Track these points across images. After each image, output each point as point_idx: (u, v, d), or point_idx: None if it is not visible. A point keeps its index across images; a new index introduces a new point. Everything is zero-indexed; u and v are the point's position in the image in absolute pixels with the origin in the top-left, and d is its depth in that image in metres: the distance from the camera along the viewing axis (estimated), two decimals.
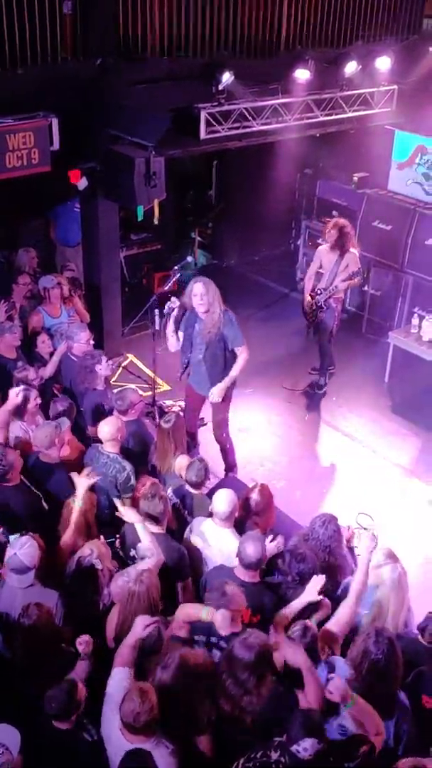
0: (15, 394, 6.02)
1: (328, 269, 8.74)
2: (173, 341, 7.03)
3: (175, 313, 6.90)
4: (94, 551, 4.78)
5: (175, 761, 3.78)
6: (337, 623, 4.58)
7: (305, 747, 3.56)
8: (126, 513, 5.14)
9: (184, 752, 3.85)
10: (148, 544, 4.94)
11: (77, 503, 5.18)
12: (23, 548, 4.60)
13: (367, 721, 3.94)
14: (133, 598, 4.43)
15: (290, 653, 4.12)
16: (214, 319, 6.68)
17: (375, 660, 4.05)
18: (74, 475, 5.36)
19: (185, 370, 7.16)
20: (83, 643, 4.32)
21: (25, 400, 6.09)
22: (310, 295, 8.87)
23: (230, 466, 7.54)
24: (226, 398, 7.13)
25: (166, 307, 6.95)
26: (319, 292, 8.76)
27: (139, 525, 5.03)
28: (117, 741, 3.80)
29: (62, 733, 3.92)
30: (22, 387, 6.12)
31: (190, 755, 3.90)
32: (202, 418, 7.83)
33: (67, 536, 5.09)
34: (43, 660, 4.19)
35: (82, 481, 5.27)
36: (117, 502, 5.35)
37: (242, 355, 6.89)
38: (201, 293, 6.63)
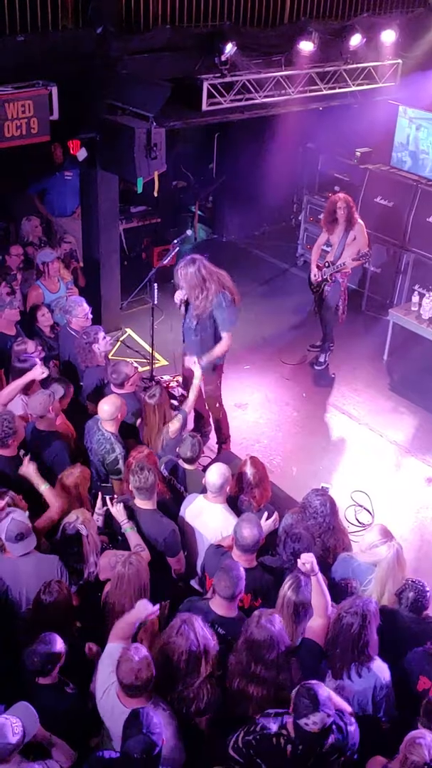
0: (40, 372, 6.04)
1: (336, 242, 8.66)
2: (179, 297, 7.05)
3: (182, 308, 6.97)
4: (79, 517, 4.79)
5: (173, 722, 3.82)
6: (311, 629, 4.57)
7: (315, 721, 3.57)
8: (114, 510, 5.13)
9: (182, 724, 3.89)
10: (136, 542, 4.97)
11: (41, 487, 5.20)
12: (21, 516, 4.63)
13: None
14: (122, 580, 4.43)
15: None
16: (201, 300, 6.62)
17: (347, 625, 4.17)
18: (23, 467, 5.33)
19: (185, 339, 7.16)
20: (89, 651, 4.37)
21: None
22: (317, 266, 8.78)
23: (224, 438, 7.53)
24: (217, 369, 7.13)
25: (176, 299, 6.97)
26: (327, 264, 8.68)
27: (126, 526, 5.05)
28: (116, 710, 3.82)
29: (47, 689, 3.99)
30: (40, 364, 6.15)
31: (189, 727, 3.95)
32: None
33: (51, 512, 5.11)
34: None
35: (28, 471, 5.27)
36: (98, 503, 5.33)
37: (225, 341, 6.85)
38: (181, 275, 6.60)
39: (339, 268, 8.60)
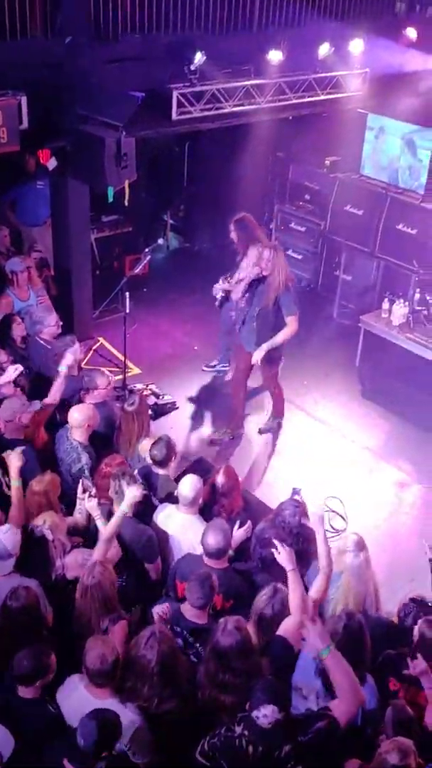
0: (14, 370, 6.03)
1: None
2: (240, 290, 7.43)
3: (220, 296, 7.40)
4: (46, 521, 4.77)
5: (140, 719, 3.82)
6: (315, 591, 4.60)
7: (265, 713, 3.58)
8: (88, 504, 5.12)
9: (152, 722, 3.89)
10: (105, 538, 4.94)
11: (13, 482, 5.16)
12: (5, 534, 4.58)
13: (342, 677, 3.91)
14: (86, 594, 4.41)
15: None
16: (275, 284, 7.08)
17: (341, 642, 4.08)
18: (6, 453, 5.31)
19: (241, 327, 7.51)
20: None
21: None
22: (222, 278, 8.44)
23: (277, 413, 8.04)
24: (274, 360, 7.53)
25: (215, 290, 7.48)
26: (222, 281, 8.35)
27: (99, 522, 5.03)
28: (85, 705, 3.79)
29: (27, 703, 3.91)
30: (18, 366, 6.14)
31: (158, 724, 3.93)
32: None
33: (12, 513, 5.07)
34: (23, 645, 4.13)
35: (13, 460, 5.23)
36: (79, 489, 5.30)
37: (291, 325, 7.26)
38: (267, 258, 7.07)
39: (230, 287, 8.24)
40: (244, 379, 7.89)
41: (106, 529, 4.88)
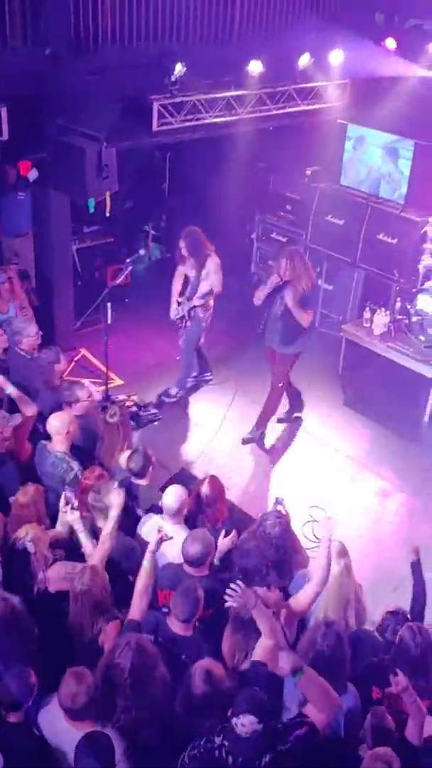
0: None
1: (192, 277, 8.46)
2: (261, 296, 7.74)
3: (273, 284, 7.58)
4: (29, 534, 4.73)
5: (123, 744, 3.77)
6: (296, 601, 4.60)
7: (243, 723, 3.57)
8: (70, 517, 5.07)
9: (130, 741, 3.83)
10: (90, 551, 4.92)
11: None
12: None
13: (317, 694, 3.89)
14: (77, 601, 4.39)
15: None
16: (296, 286, 7.46)
17: (320, 651, 4.08)
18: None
19: (264, 326, 7.84)
20: None
21: None
22: (177, 301, 8.59)
23: (263, 417, 8.23)
24: (288, 358, 7.90)
25: (271, 279, 7.64)
26: (182, 301, 8.52)
27: (81, 534, 5.01)
28: (65, 733, 3.75)
29: (14, 728, 3.84)
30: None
31: (137, 745, 3.88)
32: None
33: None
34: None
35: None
36: (61, 502, 5.25)
37: (307, 316, 7.71)
38: (284, 266, 7.49)
39: (190, 305, 8.44)
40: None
41: (102, 547, 4.87)
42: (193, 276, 8.44)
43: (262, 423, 8.21)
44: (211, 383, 9.11)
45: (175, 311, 8.61)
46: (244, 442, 8.19)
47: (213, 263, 8.37)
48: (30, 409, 5.97)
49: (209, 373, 9.14)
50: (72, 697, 3.69)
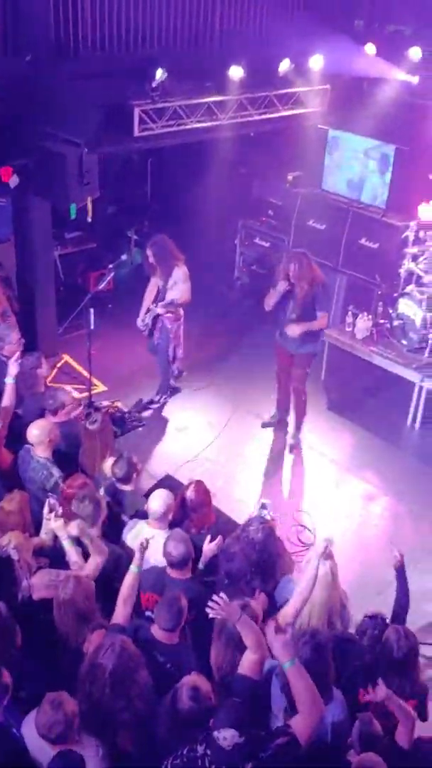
0: None
1: (160, 286, 8.37)
2: (271, 303, 7.70)
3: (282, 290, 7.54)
4: (12, 541, 4.71)
5: (104, 764, 3.74)
6: (283, 616, 4.58)
7: (225, 736, 3.56)
8: (53, 525, 5.05)
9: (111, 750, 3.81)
10: (75, 559, 4.90)
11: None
12: None
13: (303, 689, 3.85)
14: (60, 608, 4.38)
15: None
16: (305, 289, 7.46)
17: (302, 660, 4.04)
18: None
19: (281, 330, 7.81)
20: None
21: None
22: (147, 308, 8.45)
23: (298, 417, 8.29)
24: (306, 358, 7.90)
25: (279, 285, 7.58)
26: (149, 309, 8.40)
27: (65, 542, 4.98)
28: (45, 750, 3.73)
29: None
30: None
31: (118, 754, 3.86)
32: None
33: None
34: None
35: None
36: (45, 509, 5.23)
37: (322, 319, 7.70)
38: (293, 271, 7.45)
39: (153, 313, 8.33)
40: (285, 378, 8.22)
41: (93, 561, 4.84)
42: (161, 284, 8.32)
43: (299, 428, 8.31)
44: (194, 388, 9.08)
45: (140, 320, 8.44)
46: (291, 450, 8.28)
47: (181, 272, 8.23)
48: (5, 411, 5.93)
49: (161, 396, 8.85)
50: (49, 727, 3.64)
